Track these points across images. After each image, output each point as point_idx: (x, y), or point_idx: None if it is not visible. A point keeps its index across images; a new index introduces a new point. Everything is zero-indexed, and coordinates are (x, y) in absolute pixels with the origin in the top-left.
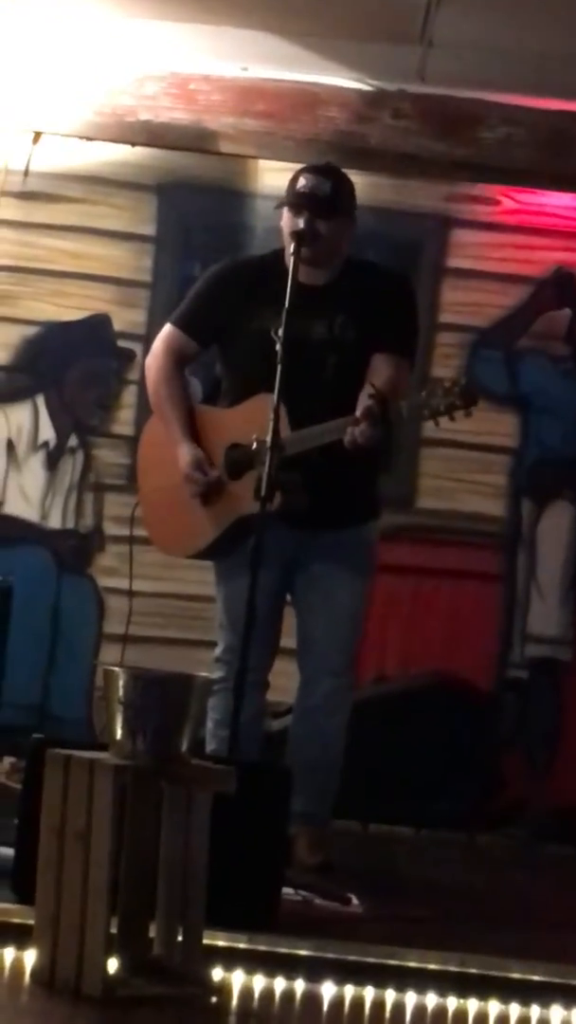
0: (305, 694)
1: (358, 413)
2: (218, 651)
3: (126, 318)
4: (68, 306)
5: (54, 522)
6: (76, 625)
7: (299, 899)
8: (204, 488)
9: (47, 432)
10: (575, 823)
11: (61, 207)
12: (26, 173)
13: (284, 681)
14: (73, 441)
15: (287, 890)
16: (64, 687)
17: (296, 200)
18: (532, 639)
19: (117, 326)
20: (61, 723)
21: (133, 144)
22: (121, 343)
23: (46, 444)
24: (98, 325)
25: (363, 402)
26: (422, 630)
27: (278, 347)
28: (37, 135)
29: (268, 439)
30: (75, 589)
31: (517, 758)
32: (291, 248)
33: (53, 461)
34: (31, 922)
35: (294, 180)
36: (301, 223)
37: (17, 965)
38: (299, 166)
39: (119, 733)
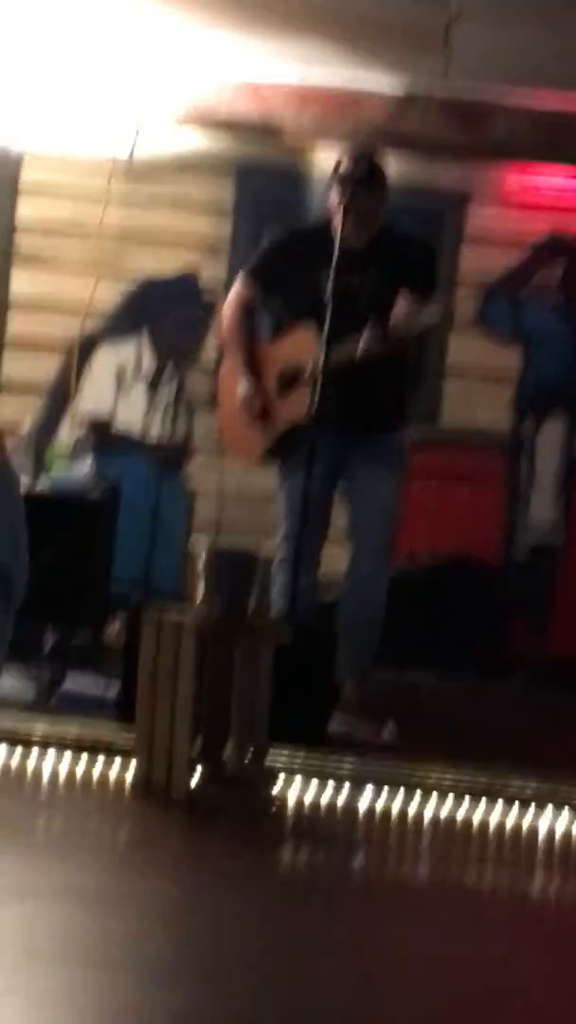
0: (353, 568)
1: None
2: (279, 536)
3: (211, 275)
4: (166, 265)
5: (154, 436)
6: (171, 518)
7: (345, 729)
8: (254, 417)
9: (149, 364)
10: (565, 673)
11: (159, 187)
12: (131, 161)
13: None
14: (169, 371)
15: (335, 722)
16: (162, 565)
17: (342, 180)
18: (532, 528)
19: (204, 281)
20: (159, 594)
21: (216, 136)
22: (207, 296)
23: (148, 374)
24: (189, 280)
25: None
26: (446, 521)
27: (327, 293)
28: (138, 130)
29: (313, 361)
30: (171, 489)
31: (520, 621)
32: (339, 219)
33: (153, 388)
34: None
35: (338, 164)
36: (348, 198)
37: (120, 778)
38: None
39: (201, 597)
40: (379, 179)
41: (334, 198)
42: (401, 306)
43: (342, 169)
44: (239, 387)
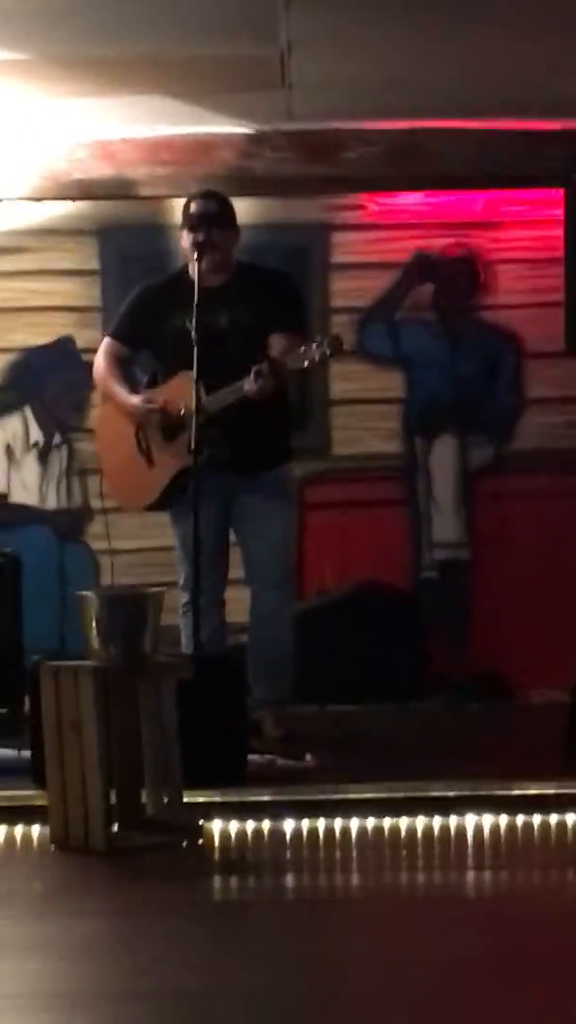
0: (255, 605)
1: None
2: (180, 581)
3: (86, 337)
4: (40, 334)
5: (50, 504)
6: (78, 582)
7: (264, 761)
8: (160, 412)
9: (36, 434)
10: (487, 685)
11: (24, 256)
12: None
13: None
14: (57, 439)
15: (253, 756)
16: (75, 633)
17: (191, 221)
18: (437, 546)
19: (80, 344)
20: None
21: (72, 199)
22: (85, 357)
23: (36, 444)
24: (66, 345)
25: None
26: (351, 551)
27: (193, 335)
28: None
29: (192, 405)
30: (74, 554)
31: (437, 639)
32: (194, 257)
33: (44, 456)
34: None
35: (187, 206)
36: (200, 237)
37: (42, 837)
38: None
39: (95, 643)
40: (226, 214)
41: (186, 241)
42: (280, 346)
43: (192, 210)
44: (130, 406)
